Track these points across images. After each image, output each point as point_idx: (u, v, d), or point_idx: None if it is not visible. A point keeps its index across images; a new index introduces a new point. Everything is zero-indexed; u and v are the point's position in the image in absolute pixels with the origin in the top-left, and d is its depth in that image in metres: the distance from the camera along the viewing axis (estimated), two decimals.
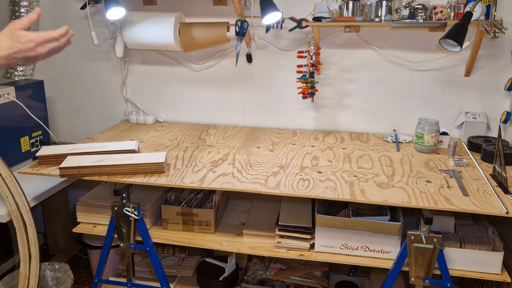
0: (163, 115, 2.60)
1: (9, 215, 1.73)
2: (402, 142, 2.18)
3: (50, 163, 1.83)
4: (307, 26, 2.13)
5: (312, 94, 2.28)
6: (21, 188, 1.70)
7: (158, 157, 1.79)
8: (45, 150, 1.86)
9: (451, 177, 1.73)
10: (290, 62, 2.34)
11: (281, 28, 2.25)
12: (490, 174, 1.76)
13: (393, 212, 1.77)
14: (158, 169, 1.75)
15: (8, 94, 2.04)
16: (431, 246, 1.54)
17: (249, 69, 2.43)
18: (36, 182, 2.04)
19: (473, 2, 1.90)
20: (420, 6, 1.96)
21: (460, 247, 1.63)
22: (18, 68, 2.45)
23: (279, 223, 1.80)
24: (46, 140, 2.32)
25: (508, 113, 2.08)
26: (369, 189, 1.61)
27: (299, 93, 2.27)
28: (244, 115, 2.51)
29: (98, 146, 1.91)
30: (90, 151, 1.86)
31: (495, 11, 1.91)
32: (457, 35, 1.79)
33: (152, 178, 1.71)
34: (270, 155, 1.99)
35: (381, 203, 1.53)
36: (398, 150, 2.07)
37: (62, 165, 1.70)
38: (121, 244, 1.82)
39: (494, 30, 1.87)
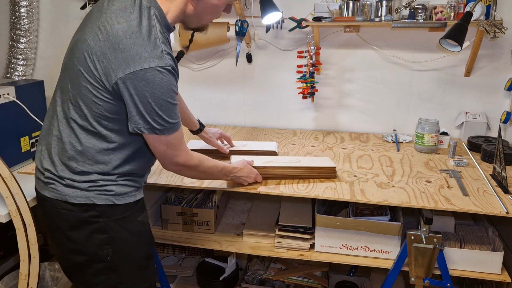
0: None
1: (9, 215, 1.73)
2: (402, 142, 2.18)
3: None
4: (307, 26, 2.13)
5: (312, 94, 2.28)
6: (21, 188, 1.70)
7: (327, 161, 1.76)
8: None
9: (451, 177, 1.73)
10: (290, 62, 2.34)
11: (281, 28, 2.25)
12: (490, 174, 1.76)
13: (393, 212, 1.77)
14: (330, 173, 1.71)
15: (8, 94, 2.04)
16: (431, 246, 1.54)
17: (249, 69, 2.43)
18: None
19: (473, 2, 1.90)
20: (420, 6, 1.96)
21: (460, 247, 1.63)
22: (18, 68, 2.45)
23: (279, 223, 1.80)
24: None
25: (508, 113, 2.08)
26: (369, 189, 1.61)
27: (299, 93, 2.27)
28: (244, 115, 2.51)
29: (240, 145, 1.98)
30: (235, 149, 1.93)
31: (495, 11, 1.91)
32: (457, 35, 1.79)
33: (152, 178, 1.71)
34: None
35: (381, 203, 1.53)
36: (398, 150, 2.07)
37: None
38: None
39: (494, 30, 1.87)
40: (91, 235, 1.28)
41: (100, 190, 1.27)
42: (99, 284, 1.33)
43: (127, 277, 1.34)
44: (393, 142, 2.19)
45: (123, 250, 1.32)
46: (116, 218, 1.30)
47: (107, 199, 1.28)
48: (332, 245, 1.72)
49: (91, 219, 1.28)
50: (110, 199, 1.28)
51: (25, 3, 2.35)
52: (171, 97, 1.20)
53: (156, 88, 1.16)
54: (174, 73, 1.21)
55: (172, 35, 2.18)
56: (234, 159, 1.75)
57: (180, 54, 1.34)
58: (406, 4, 2.01)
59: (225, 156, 1.87)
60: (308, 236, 1.75)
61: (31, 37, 2.44)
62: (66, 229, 1.29)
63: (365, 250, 1.71)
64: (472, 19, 1.82)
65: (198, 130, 1.85)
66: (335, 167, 1.72)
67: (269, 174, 1.68)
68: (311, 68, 2.20)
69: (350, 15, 2.04)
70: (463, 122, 2.20)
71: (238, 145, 1.97)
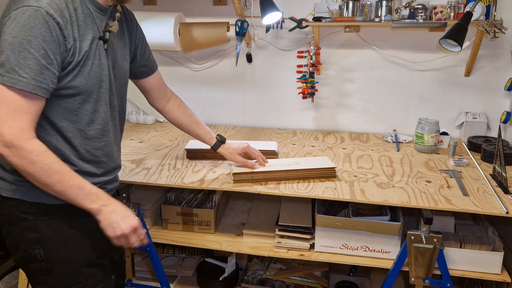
0: None
1: None
2: (402, 142, 2.18)
3: None
4: (307, 26, 2.13)
5: (312, 94, 2.28)
6: None
7: (326, 162, 1.76)
8: None
9: (451, 177, 1.73)
10: (290, 62, 2.34)
11: (281, 28, 2.25)
12: (490, 174, 1.76)
13: (393, 212, 1.77)
14: (330, 174, 1.72)
15: None
16: (431, 246, 1.54)
17: (249, 69, 2.43)
18: None
19: (473, 2, 1.90)
20: (420, 6, 1.96)
21: (460, 247, 1.63)
22: None
23: (279, 223, 1.80)
24: None
25: (508, 113, 2.08)
26: (369, 189, 1.61)
27: (299, 93, 2.27)
28: (244, 115, 2.51)
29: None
30: None
31: (495, 11, 1.91)
32: (457, 35, 1.78)
33: (152, 178, 1.71)
34: None
35: (381, 203, 1.53)
36: (398, 150, 2.07)
37: (235, 171, 1.68)
38: None
39: (494, 30, 1.87)
40: (23, 232, 1.22)
41: (27, 186, 1.19)
42: (39, 284, 1.28)
43: (64, 281, 1.26)
44: (393, 142, 2.19)
45: (56, 253, 1.24)
46: (47, 218, 1.22)
47: (35, 196, 1.20)
48: (332, 245, 1.72)
49: (21, 215, 1.21)
50: (39, 196, 1.20)
51: None
52: (29, 41, 1.04)
53: (17, 25, 1.04)
54: (47, 21, 1.06)
55: (172, 35, 2.18)
56: (234, 163, 1.75)
57: (106, 29, 1.25)
58: (406, 4, 2.01)
59: (225, 158, 1.86)
60: (308, 236, 1.75)
61: None
62: (4, 223, 1.26)
63: (365, 250, 1.71)
64: (472, 19, 1.82)
65: (215, 145, 1.73)
66: (334, 167, 1.72)
67: (269, 178, 1.68)
68: (311, 68, 2.20)
69: (350, 15, 2.04)
70: (463, 122, 2.20)
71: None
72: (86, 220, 1.22)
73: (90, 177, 1.27)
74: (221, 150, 1.74)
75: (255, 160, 1.73)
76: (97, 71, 1.22)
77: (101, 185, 1.31)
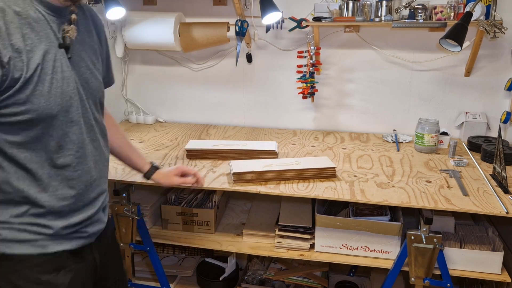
0: (163, 115, 2.60)
1: None
2: (402, 142, 2.18)
3: None
4: (307, 26, 2.12)
5: (312, 94, 2.28)
6: None
7: (326, 162, 1.76)
8: None
9: (451, 177, 1.73)
10: (290, 62, 2.34)
11: (281, 28, 2.25)
12: (490, 174, 1.76)
13: (393, 212, 1.77)
14: (330, 174, 1.71)
15: None
16: (431, 246, 1.54)
17: (249, 69, 2.43)
18: None
19: (473, 2, 1.90)
20: (420, 6, 1.96)
21: (460, 247, 1.63)
22: None
23: (279, 223, 1.80)
24: None
25: (508, 113, 2.08)
26: (369, 189, 1.61)
27: (299, 93, 2.27)
28: (244, 115, 2.51)
29: (240, 145, 1.95)
30: (232, 148, 1.92)
31: (495, 11, 1.91)
32: (457, 35, 1.78)
33: None
34: None
35: (381, 203, 1.53)
36: (398, 150, 2.07)
37: (235, 171, 1.66)
38: (121, 244, 1.82)
39: (494, 30, 1.87)
40: None
41: None
42: None
43: None
44: (393, 142, 2.19)
45: None
46: (5, 272, 1.02)
47: None
48: (332, 245, 1.72)
49: None
50: None
51: None
52: None
53: None
54: None
55: (172, 35, 2.18)
56: (234, 163, 1.75)
57: (63, 35, 1.02)
58: (406, 4, 2.01)
59: (225, 157, 1.88)
60: (308, 236, 1.75)
61: None
62: None
63: (365, 250, 1.71)
64: (472, 19, 1.82)
65: (150, 171, 1.48)
66: (334, 167, 1.72)
67: (269, 178, 1.68)
68: (311, 68, 2.20)
69: (350, 15, 2.04)
70: (463, 122, 2.20)
71: (238, 144, 1.97)
72: (57, 276, 1.06)
73: (68, 217, 1.07)
74: (156, 176, 1.50)
75: (192, 177, 1.55)
76: (60, 86, 0.99)
77: (80, 228, 1.10)
